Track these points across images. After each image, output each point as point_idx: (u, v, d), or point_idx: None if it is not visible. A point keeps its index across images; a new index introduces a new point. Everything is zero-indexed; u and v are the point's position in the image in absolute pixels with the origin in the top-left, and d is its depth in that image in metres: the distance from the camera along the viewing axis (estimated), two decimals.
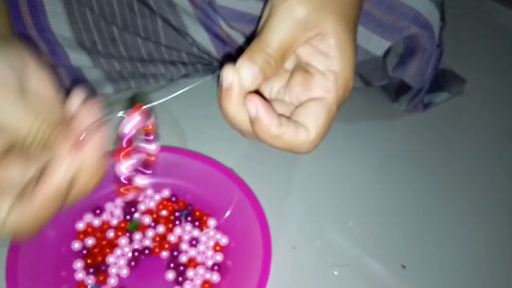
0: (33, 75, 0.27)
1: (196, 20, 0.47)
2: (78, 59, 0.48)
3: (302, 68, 0.29)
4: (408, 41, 0.45)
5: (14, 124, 0.24)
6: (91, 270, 0.38)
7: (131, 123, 0.30)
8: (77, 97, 0.28)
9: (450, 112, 0.56)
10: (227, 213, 0.40)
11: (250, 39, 0.45)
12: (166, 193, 0.43)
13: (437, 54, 0.48)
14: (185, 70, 0.53)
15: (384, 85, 0.53)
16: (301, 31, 0.27)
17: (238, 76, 0.26)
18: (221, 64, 0.52)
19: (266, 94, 0.30)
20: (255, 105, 0.25)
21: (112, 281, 0.38)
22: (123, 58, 0.50)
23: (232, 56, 0.50)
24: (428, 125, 0.54)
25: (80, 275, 0.37)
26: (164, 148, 0.43)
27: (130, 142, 0.30)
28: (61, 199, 0.25)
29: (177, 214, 0.42)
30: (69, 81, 0.48)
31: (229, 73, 0.26)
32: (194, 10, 0.46)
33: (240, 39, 0.47)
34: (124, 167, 0.30)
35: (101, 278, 0.37)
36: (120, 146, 0.30)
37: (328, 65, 0.28)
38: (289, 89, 0.30)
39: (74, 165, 0.25)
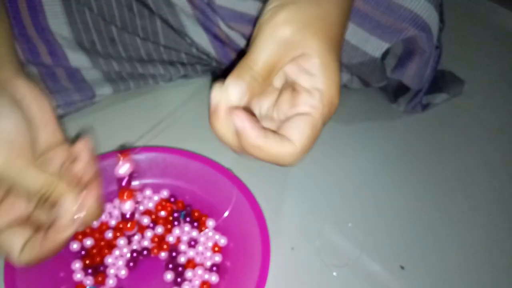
0: (36, 109, 0.32)
1: (195, 20, 0.47)
2: (77, 59, 0.48)
3: (290, 86, 0.30)
4: (406, 43, 0.46)
5: (28, 184, 0.29)
6: (89, 270, 0.38)
7: (125, 167, 0.36)
8: (82, 145, 0.33)
9: (449, 113, 0.56)
10: (226, 214, 0.40)
11: (249, 39, 0.45)
12: (164, 193, 0.43)
13: (436, 56, 0.48)
14: (184, 71, 0.53)
15: (383, 86, 0.53)
16: (286, 50, 0.28)
17: (226, 93, 0.28)
18: (219, 65, 0.52)
19: (256, 111, 0.32)
20: (240, 118, 0.27)
21: (111, 282, 0.37)
22: (122, 58, 0.50)
23: (231, 58, 0.50)
24: (427, 126, 0.55)
25: (78, 276, 0.37)
26: (162, 149, 0.43)
27: (129, 182, 0.36)
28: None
29: (175, 214, 0.42)
30: (68, 82, 0.48)
31: (216, 92, 0.28)
32: (193, 11, 0.46)
33: (239, 40, 0.47)
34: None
35: (100, 278, 0.37)
36: (122, 187, 0.36)
37: (313, 83, 0.29)
38: (277, 106, 0.31)
39: (81, 213, 0.30)
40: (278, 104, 0.31)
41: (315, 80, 0.29)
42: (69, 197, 0.30)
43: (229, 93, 0.28)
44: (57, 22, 0.46)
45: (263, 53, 0.28)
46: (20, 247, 0.30)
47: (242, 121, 0.27)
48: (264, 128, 0.28)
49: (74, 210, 0.30)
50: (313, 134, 0.29)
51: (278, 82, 0.31)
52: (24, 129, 0.30)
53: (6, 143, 0.29)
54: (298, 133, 0.28)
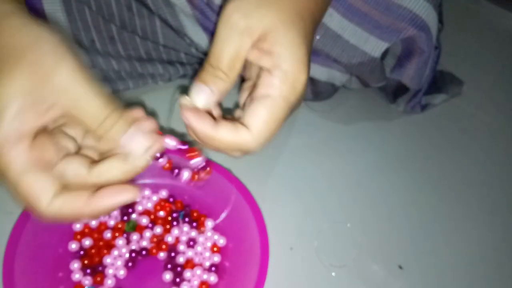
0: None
1: (195, 20, 0.47)
2: None
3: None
4: (405, 43, 0.46)
5: (91, 112, 0.26)
6: (88, 271, 0.38)
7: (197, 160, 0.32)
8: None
9: (448, 114, 0.56)
10: (224, 214, 0.40)
11: None
12: (163, 194, 0.43)
13: (435, 56, 0.48)
14: (183, 71, 0.53)
15: (382, 86, 0.53)
16: (242, 37, 0.28)
17: (192, 102, 0.28)
18: None
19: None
20: (185, 116, 0.28)
21: (109, 282, 0.37)
22: (121, 57, 0.50)
23: None
24: (425, 126, 0.55)
25: (77, 276, 0.37)
26: None
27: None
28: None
29: (174, 215, 0.42)
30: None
31: (184, 101, 0.29)
32: (193, 11, 0.46)
33: None
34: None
35: (98, 279, 0.37)
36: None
37: (272, 61, 0.28)
38: (249, 97, 0.30)
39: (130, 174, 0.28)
40: (251, 92, 0.30)
41: (274, 58, 0.28)
42: (135, 131, 0.27)
43: (195, 101, 0.28)
44: (56, 20, 0.46)
45: (220, 47, 0.28)
46: (52, 194, 0.26)
47: (187, 118, 0.27)
48: (217, 119, 0.28)
49: (145, 144, 0.27)
50: (272, 117, 0.28)
51: (254, 73, 0.31)
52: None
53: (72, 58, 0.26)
54: (253, 118, 0.28)
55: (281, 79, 0.28)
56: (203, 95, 0.28)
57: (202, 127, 0.28)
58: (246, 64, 0.32)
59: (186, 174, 0.31)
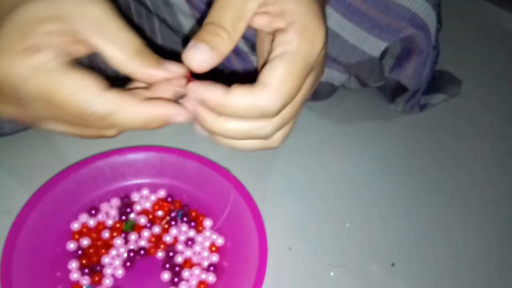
0: None
1: (193, 20, 0.47)
2: None
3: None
4: (404, 42, 0.46)
5: (124, 49, 0.25)
6: (86, 270, 0.38)
7: None
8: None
9: (447, 114, 0.56)
10: (223, 217, 0.40)
11: (249, 39, 0.45)
12: (162, 193, 0.43)
13: (434, 56, 0.48)
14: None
15: (380, 86, 0.53)
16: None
17: (187, 60, 0.25)
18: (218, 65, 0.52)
19: None
20: (191, 88, 0.26)
21: (107, 281, 0.37)
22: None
23: (229, 58, 0.50)
24: (424, 126, 0.55)
25: (75, 276, 0.37)
26: (160, 148, 0.43)
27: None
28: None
29: (173, 214, 0.42)
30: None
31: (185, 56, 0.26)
32: (191, 10, 0.46)
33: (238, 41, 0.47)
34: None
35: (96, 278, 0.37)
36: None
37: (286, 20, 0.26)
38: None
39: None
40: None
41: (287, 15, 0.26)
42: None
43: (190, 62, 0.25)
44: None
45: (224, 5, 0.26)
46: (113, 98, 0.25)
47: (193, 90, 0.25)
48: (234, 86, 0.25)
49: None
50: (292, 73, 0.25)
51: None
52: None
53: None
54: (270, 76, 0.24)
55: (298, 33, 0.25)
56: (200, 55, 0.25)
57: (212, 95, 0.25)
58: (257, 39, 0.30)
59: None
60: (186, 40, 0.48)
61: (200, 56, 0.25)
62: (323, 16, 0.27)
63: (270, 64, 0.25)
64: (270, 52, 0.26)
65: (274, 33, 0.27)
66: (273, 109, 0.25)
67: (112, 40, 0.25)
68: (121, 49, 0.25)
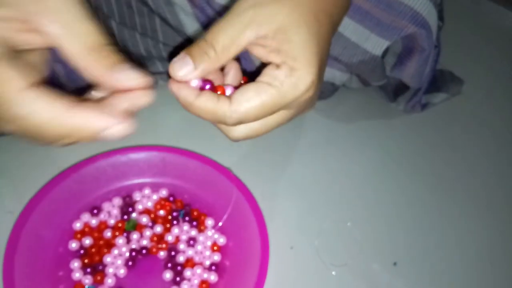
0: None
1: (194, 19, 0.47)
2: None
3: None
4: (406, 41, 0.45)
5: (82, 41, 0.24)
6: (88, 270, 0.38)
7: None
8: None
9: (448, 113, 0.56)
10: (225, 217, 0.40)
11: None
12: (163, 192, 0.43)
13: (435, 55, 0.48)
14: None
15: (382, 85, 0.53)
16: (247, 28, 0.27)
17: (171, 70, 0.27)
18: None
19: None
20: (170, 87, 0.27)
21: (110, 281, 0.37)
22: (120, 51, 0.49)
23: None
24: (426, 126, 0.54)
25: (77, 275, 0.37)
26: (161, 148, 0.43)
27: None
28: None
29: (174, 214, 0.42)
30: (66, 78, 0.48)
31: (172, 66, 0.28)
32: (193, 9, 0.46)
33: None
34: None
35: (99, 278, 0.37)
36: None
37: (280, 58, 0.28)
38: None
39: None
40: None
41: (282, 56, 0.27)
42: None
43: (173, 71, 0.27)
44: None
45: (220, 28, 0.27)
46: None
47: (172, 87, 0.27)
48: (206, 92, 0.27)
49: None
50: (260, 103, 0.27)
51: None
52: None
53: None
54: (241, 95, 0.27)
55: (285, 74, 0.27)
56: (184, 69, 0.27)
57: (183, 95, 0.27)
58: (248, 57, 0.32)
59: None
60: (189, 41, 0.48)
61: (184, 70, 0.27)
62: (318, 63, 0.28)
63: (249, 85, 0.27)
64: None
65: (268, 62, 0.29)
66: (228, 121, 0.28)
67: (69, 31, 0.23)
68: (76, 41, 0.23)
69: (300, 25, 0.28)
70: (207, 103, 0.27)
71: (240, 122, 0.28)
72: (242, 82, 0.31)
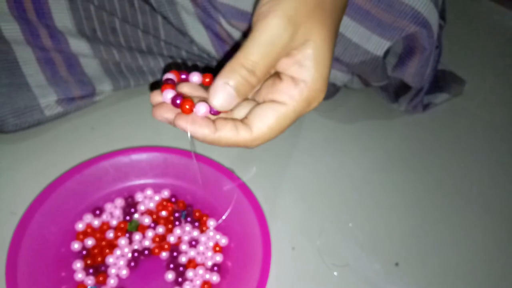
0: None
1: (196, 18, 0.47)
2: (77, 44, 0.48)
3: (277, 74, 0.29)
4: (407, 41, 0.45)
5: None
6: (90, 270, 0.38)
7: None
8: None
9: (450, 113, 0.56)
10: (225, 215, 0.40)
11: None
12: (165, 193, 0.43)
13: (436, 55, 0.48)
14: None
15: (383, 86, 0.53)
16: (285, 48, 0.27)
17: (212, 100, 0.27)
18: (220, 65, 0.52)
19: None
20: (182, 127, 0.28)
21: (112, 281, 0.38)
22: (123, 47, 0.50)
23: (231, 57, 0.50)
24: (427, 126, 0.54)
25: (79, 276, 0.37)
26: (163, 149, 0.43)
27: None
28: None
29: (176, 214, 0.42)
30: (68, 73, 0.48)
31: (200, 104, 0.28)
32: (194, 8, 0.46)
33: (240, 38, 0.47)
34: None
35: (101, 278, 0.37)
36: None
37: (300, 74, 0.28)
38: (259, 91, 0.30)
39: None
40: (260, 89, 0.30)
41: (303, 71, 0.28)
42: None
43: (215, 104, 0.27)
44: (59, 8, 0.46)
45: (261, 53, 0.27)
46: None
47: (185, 128, 0.28)
48: (216, 120, 0.28)
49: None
50: (279, 125, 0.28)
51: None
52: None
53: None
54: (259, 120, 0.28)
55: (301, 94, 0.28)
56: (230, 102, 0.27)
57: (202, 133, 0.28)
58: None
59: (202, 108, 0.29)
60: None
61: (231, 104, 0.27)
62: (329, 76, 0.29)
63: (264, 109, 0.28)
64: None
65: (283, 73, 0.29)
66: (249, 147, 0.29)
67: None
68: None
69: (327, 43, 0.28)
70: (227, 135, 0.28)
71: (259, 145, 0.29)
72: (207, 80, 0.30)
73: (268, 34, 0.27)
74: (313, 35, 0.28)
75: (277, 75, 0.29)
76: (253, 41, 0.27)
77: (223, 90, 0.27)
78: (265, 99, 0.29)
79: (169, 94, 0.28)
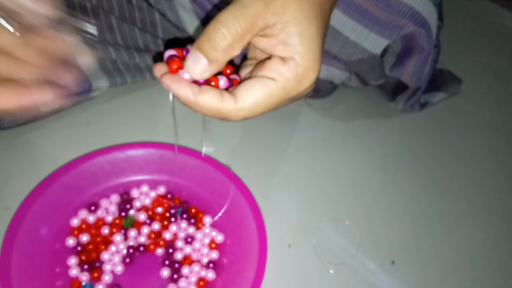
0: None
1: (194, 14, 0.47)
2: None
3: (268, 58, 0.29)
4: (405, 40, 0.45)
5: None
6: (85, 266, 0.37)
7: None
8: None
9: (447, 112, 0.56)
10: (221, 212, 0.40)
11: None
12: (161, 190, 0.43)
13: (435, 54, 0.48)
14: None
15: (381, 85, 0.53)
16: (258, 13, 0.26)
17: (187, 69, 0.27)
18: None
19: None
20: (166, 84, 0.27)
21: (107, 278, 0.37)
22: (119, 45, 0.49)
23: None
24: (424, 125, 0.55)
25: (74, 272, 0.37)
26: (159, 145, 0.43)
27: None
28: None
29: (172, 211, 0.42)
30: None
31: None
32: (192, 5, 0.46)
33: None
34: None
35: (96, 274, 0.37)
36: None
37: (287, 52, 0.27)
38: (253, 71, 0.30)
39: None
40: (254, 69, 0.30)
41: (289, 49, 0.27)
42: None
43: (191, 72, 0.26)
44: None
45: (232, 14, 0.26)
46: None
47: (168, 86, 0.27)
48: (203, 86, 0.27)
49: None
50: (266, 100, 0.27)
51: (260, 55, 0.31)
52: None
53: None
54: (245, 92, 0.27)
55: (291, 70, 0.27)
56: (198, 66, 0.26)
57: (184, 93, 0.27)
58: (250, 46, 0.31)
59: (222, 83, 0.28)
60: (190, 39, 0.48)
61: (199, 68, 0.27)
62: (321, 57, 0.28)
63: (252, 82, 0.27)
64: (258, 62, 0.29)
65: (271, 54, 0.28)
66: (234, 119, 0.28)
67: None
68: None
69: (310, 19, 0.27)
70: (210, 100, 0.27)
71: (244, 119, 0.28)
72: (228, 71, 0.30)
73: (237, 5, 0.26)
74: (294, 12, 0.27)
75: (267, 58, 0.29)
76: (226, 11, 0.27)
77: (193, 56, 0.26)
78: (256, 75, 0.28)
79: (168, 53, 0.28)
